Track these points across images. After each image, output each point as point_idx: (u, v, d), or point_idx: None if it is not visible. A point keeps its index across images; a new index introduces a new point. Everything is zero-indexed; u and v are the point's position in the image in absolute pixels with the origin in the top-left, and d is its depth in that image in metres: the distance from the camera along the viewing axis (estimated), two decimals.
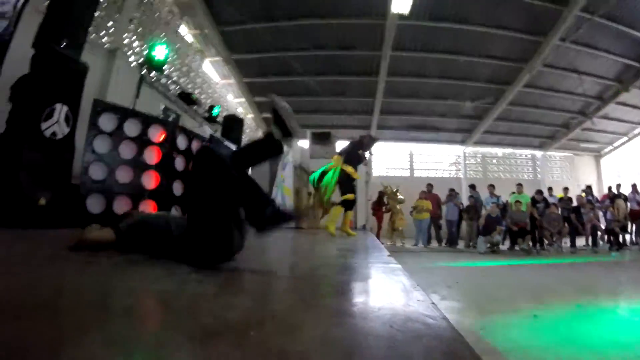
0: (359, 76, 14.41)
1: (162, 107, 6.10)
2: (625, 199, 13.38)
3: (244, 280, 2.15)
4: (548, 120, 18.36)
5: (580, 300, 4.54)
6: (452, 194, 13.68)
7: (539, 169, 22.00)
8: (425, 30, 12.30)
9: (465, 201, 14.51)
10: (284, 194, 9.67)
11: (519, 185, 12.93)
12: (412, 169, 20.96)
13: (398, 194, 14.02)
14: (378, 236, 13.59)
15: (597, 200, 14.16)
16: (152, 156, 5.18)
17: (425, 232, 13.45)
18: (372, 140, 7.94)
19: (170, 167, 5.41)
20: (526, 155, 22.21)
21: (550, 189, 14.55)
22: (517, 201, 11.82)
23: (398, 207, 13.77)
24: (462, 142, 19.98)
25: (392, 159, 21.04)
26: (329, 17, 11.81)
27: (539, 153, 21.87)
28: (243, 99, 16.14)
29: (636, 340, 3.16)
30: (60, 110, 4.22)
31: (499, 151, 22.03)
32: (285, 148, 2.77)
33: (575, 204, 12.82)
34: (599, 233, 12.34)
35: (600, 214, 13.05)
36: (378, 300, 1.79)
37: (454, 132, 19.30)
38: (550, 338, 3.18)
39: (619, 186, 14.19)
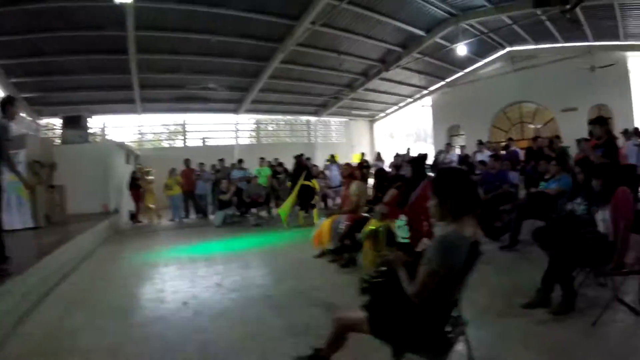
0: (111, 54, 14.92)
1: None
2: (368, 166, 16.28)
3: None
4: (317, 91, 21.33)
5: None
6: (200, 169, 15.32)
7: (313, 133, 25.07)
8: (177, 12, 13.26)
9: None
10: (19, 196, 10.04)
11: (262, 159, 15.22)
12: (185, 139, 22.38)
13: (149, 174, 15.53)
14: (137, 216, 15.08)
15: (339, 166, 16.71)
16: None
17: (178, 207, 15.04)
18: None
19: None
20: (302, 121, 25.14)
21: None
22: (255, 177, 13.90)
23: (150, 186, 15.22)
24: (235, 110, 21.76)
25: (164, 131, 22.45)
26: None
27: (314, 118, 24.94)
28: None
29: None
30: None
31: (274, 118, 24.78)
32: None
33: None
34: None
35: None
36: None
37: (226, 103, 20.98)
38: None
39: (362, 155, 17.13)
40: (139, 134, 21.31)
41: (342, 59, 17.59)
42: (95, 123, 19.32)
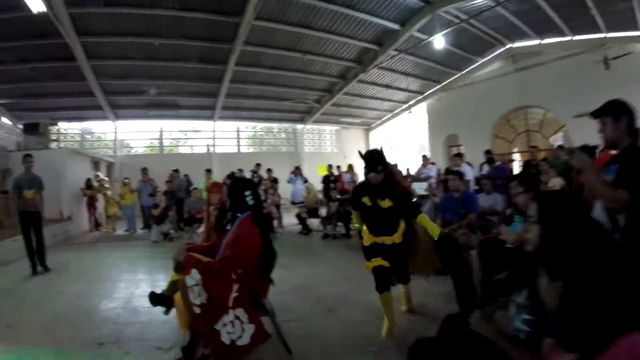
0: (60, 61, 13.81)
1: None
2: (336, 180, 13.98)
3: None
4: (292, 96, 19.24)
5: None
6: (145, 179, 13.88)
7: (300, 142, 23.07)
8: (105, 16, 12.08)
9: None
10: None
11: (208, 171, 13.54)
12: (162, 147, 20.77)
13: (105, 183, 14.47)
14: (95, 224, 14.41)
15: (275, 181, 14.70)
16: None
17: (131, 217, 13.84)
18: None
19: None
20: (287, 129, 23.29)
21: (258, 165, 15.00)
22: (195, 189, 12.26)
23: (109, 193, 14.22)
24: (211, 117, 20.07)
25: (140, 138, 20.80)
26: None
27: (300, 126, 22.92)
28: None
29: None
30: None
31: (255, 125, 23.15)
32: None
33: None
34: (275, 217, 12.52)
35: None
36: None
37: (198, 109, 19.39)
38: None
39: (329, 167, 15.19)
40: (117, 141, 19.65)
41: (307, 59, 15.66)
42: (69, 129, 19.25)
